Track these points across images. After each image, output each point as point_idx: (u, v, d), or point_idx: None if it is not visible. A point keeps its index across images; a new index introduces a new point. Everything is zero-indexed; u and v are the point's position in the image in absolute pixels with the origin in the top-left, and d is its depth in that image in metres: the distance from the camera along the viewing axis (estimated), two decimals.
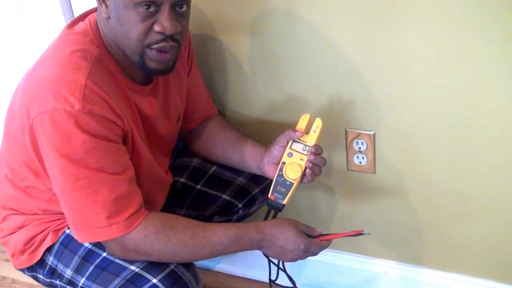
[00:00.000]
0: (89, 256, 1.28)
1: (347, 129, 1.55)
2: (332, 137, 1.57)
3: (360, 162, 1.58)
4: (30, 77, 1.20)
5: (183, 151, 1.60)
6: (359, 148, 1.56)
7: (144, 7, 1.14)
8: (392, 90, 1.44)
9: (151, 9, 1.15)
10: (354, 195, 1.66)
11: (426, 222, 1.59)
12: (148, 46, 1.18)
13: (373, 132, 1.52)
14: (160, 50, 1.19)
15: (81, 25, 1.25)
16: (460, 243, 1.58)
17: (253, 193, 1.55)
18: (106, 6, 1.18)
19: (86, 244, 1.29)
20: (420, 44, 1.35)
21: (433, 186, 1.53)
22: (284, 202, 1.33)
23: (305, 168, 1.33)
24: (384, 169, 1.56)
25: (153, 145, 1.37)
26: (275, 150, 1.37)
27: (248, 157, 1.46)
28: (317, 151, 1.33)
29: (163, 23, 1.16)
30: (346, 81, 1.48)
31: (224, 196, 1.54)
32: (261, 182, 1.55)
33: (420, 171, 1.52)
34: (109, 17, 1.19)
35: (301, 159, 1.33)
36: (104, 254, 1.26)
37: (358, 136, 1.54)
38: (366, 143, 1.54)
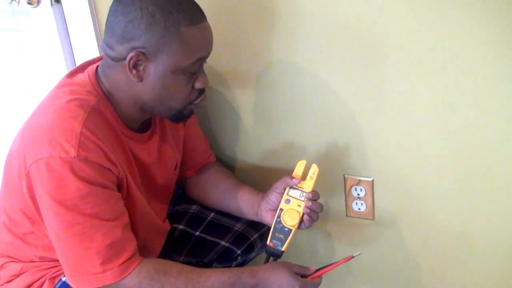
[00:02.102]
0: None
1: (346, 176, 1.55)
2: (331, 183, 1.57)
3: (359, 209, 1.58)
4: (28, 124, 1.22)
5: (182, 198, 1.61)
6: (358, 194, 1.56)
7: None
8: (387, 136, 1.45)
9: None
10: (353, 240, 1.65)
11: (425, 268, 1.58)
12: (191, 102, 1.26)
13: (371, 179, 1.52)
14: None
15: (80, 77, 1.28)
16: None
17: (252, 239, 1.54)
18: (138, 71, 1.20)
19: None
20: (414, 91, 1.37)
21: (432, 232, 1.52)
22: (283, 249, 1.33)
23: (303, 214, 1.33)
24: (383, 215, 1.56)
25: (150, 192, 1.38)
26: (273, 196, 1.38)
27: (245, 204, 1.46)
28: (314, 197, 1.34)
29: (203, 79, 1.25)
30: (341, 128, 1.49)
31: (223, 243, 1.53)
32: (260, 228, 1.54)
33: (419, 217, 1.51)
34: (141, 80, 1.21)
35: (299, 205, 1.33)
36: None
37: (357, 183, 1.54)
38: (365, 189, 1.54)
